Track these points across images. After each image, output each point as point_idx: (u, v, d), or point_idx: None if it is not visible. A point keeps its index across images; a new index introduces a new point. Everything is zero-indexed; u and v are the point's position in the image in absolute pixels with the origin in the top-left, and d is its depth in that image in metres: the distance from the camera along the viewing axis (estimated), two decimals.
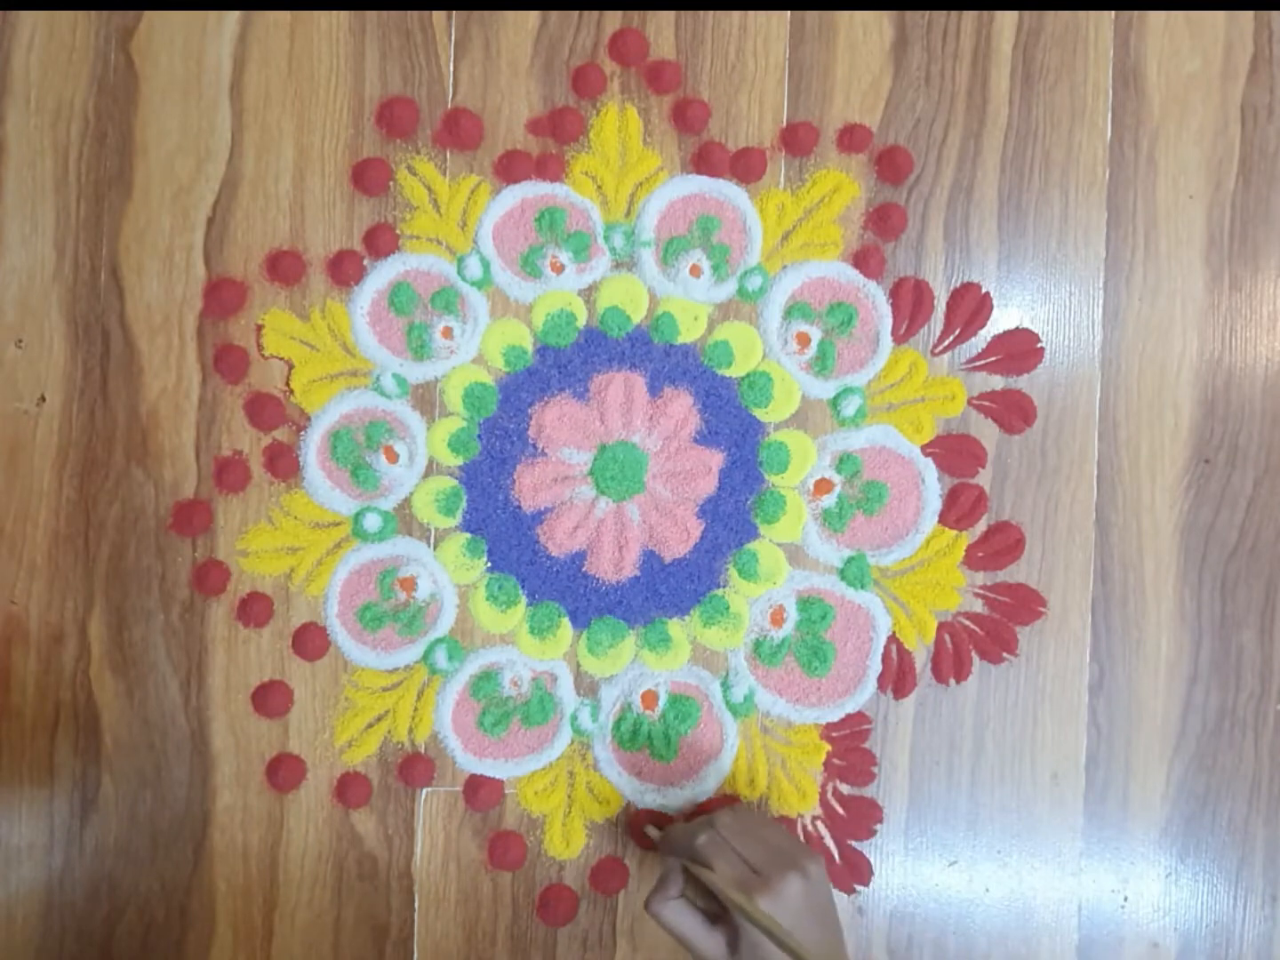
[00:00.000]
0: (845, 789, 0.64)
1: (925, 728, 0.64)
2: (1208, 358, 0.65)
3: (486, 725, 0.62)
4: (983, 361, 0.65)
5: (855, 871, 0.63)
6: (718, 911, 0.53)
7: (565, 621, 0.63)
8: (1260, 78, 0.65)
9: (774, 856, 0.52)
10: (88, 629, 0.62)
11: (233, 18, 0.62)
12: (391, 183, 0.63)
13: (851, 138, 0.64)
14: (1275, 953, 0.65)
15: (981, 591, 0.65)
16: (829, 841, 0.63)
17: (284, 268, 0.62)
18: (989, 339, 0.65)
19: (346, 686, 0.62)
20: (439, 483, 0.63)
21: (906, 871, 0.64)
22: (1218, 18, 0.65)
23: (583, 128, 0.63)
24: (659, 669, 0.63)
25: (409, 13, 0.63)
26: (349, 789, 0.62)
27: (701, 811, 0.63)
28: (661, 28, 0.64)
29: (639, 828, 0.62)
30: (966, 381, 0.65)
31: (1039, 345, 0.65)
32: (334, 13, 0.62)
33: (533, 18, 0.63)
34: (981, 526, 0.64)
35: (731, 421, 0.64)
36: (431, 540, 0.63)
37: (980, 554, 0.64)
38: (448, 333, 0.63)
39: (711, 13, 0.64)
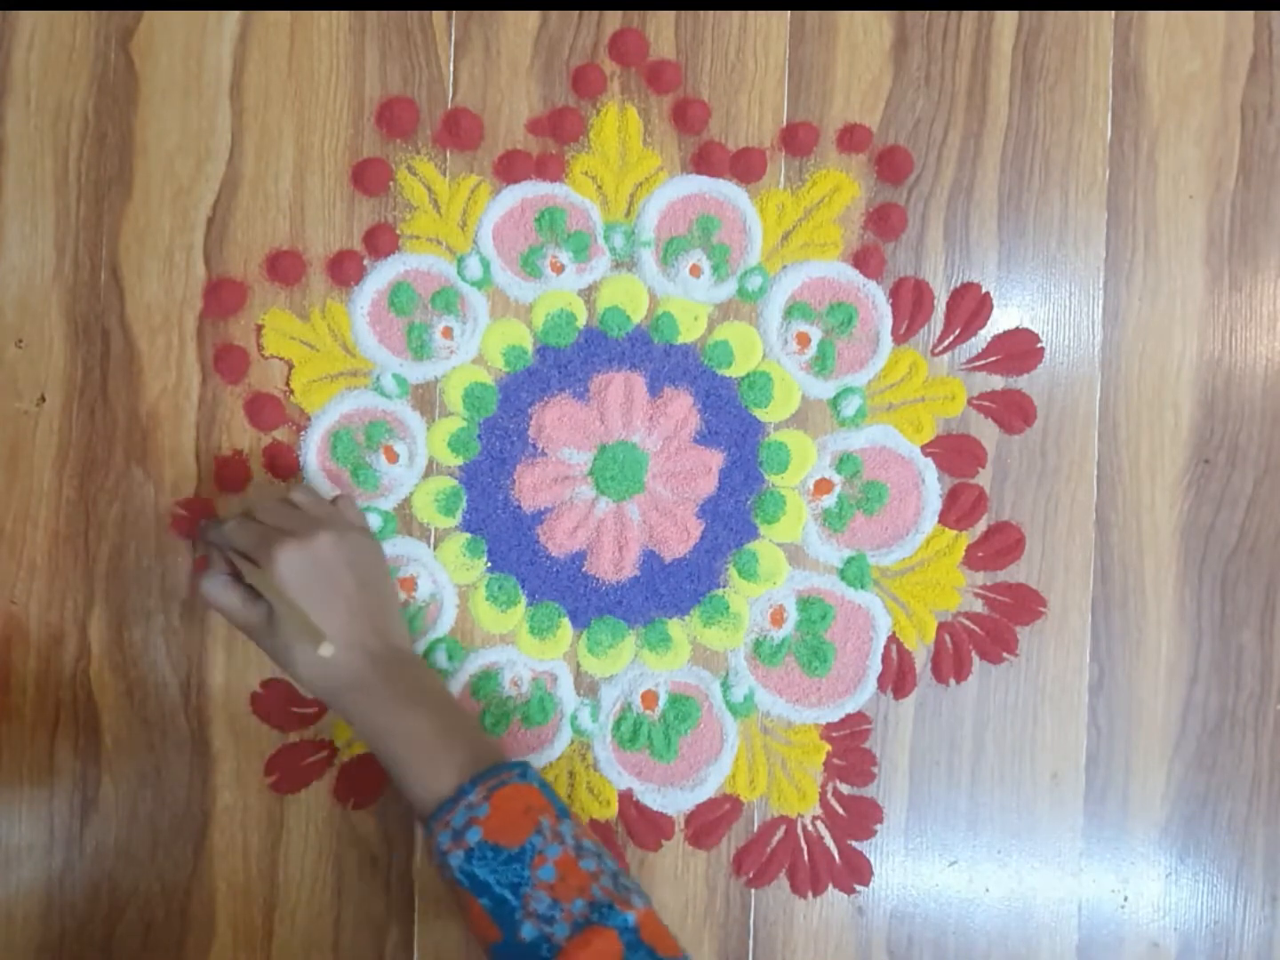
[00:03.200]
0: (845, 789, 0.64)
1: (925, 728, 0.64)
2: (1208, 358, 0.65)
3: (487, 725, 0.62)
4: (983, 361, 0.65)
5: (855, 871, 0.63)
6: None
7: (565, 621, 0.63)
8: (1260, 78, 0.65)
9: (294, 525, 0.53)
10: (88, 629, 0.62)
11: (233, 18, 0.62)
12: (391, 183, 0.63)
13: (851, 138, 0.64)
14: (1275, 953, 0.65)
15: (981, 591, 0.65)
16: (829, 841, 0.63)
17: (284, 268, 0.62)
18: (989, 339, 0.65)
19: None
20: (439, 483, 0.63)
21: (906, 871, 0.64)
22: (1218, 18, 0.65)
23: (583, 128, 0.63)
24: (659, 669, 0.63)
25: (409, 13, 0.63)
26: (349, 789, 0.62)
27: (698, 814, 0.63)
28: (661, 28, 0.64)
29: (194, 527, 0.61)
30: (966, 381, 0.65)
31: (1039, 345, 0.65)
32: (334, 13, 0.62)
33: (533, 18, 0.63)
34: (981, 526, 0.64)
35: (731, 421, 0.64)
36: (431, 540, 0.63)
37: (980, 554, 0.64)
38: (448, 333, 0.63)
39: (711, 13, 0.64)
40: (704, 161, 0.64)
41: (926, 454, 0.64)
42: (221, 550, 0.55)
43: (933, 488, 0.64)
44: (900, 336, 0.64)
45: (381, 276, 0.62)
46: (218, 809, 0.62)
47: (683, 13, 0.63)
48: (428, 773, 0.51)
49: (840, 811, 0.64)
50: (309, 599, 0.52)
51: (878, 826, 0.64)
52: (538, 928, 0.46)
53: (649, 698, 0.63)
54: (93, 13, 0.61)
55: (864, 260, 0.64)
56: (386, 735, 0.52)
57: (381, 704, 0.52)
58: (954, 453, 0.64)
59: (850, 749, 0.64)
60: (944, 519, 0.64)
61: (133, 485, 0.62)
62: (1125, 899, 0.65)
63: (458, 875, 0.48)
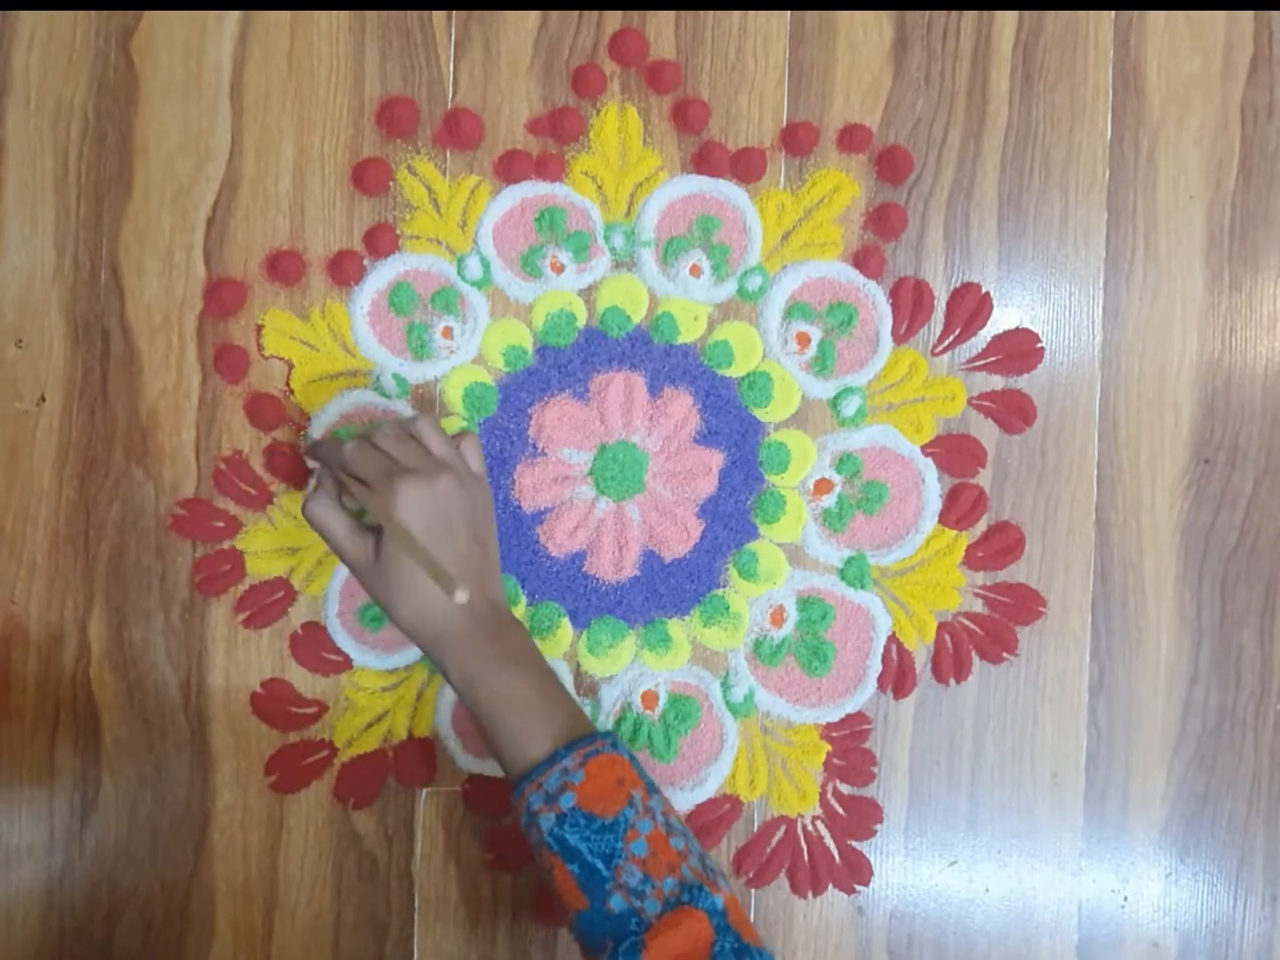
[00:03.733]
0: (845, 789, 0.64)
1: (925, 728, 0.64)
2: (1208, 358, 0.65)
3: None
4: (983, 361, 0.65)
5: (855, 871, 0.63)
6: (371, 522, 0.52)
7: (565, 621, 0.63)
8: (1260, 78, 0.65)
9: (418, 462, 0.52)
10: (88, 629, 0.62)
11: (233, 18, 0.62)
12: (391, 183, 0.63)
13: (851, 138, 0.64)
14: (1275, 953, 0.65)
15: (981, 591, 0.65)
16: (829, 841, 0.63)
17: (284, 268, 0.62)
18: (989, 339, 0.65)
19: (346, 686, 0.62)
20: None
21: (906, 871, 0.64)
22: (1218, 18, 0.65)
23: (583, 128, 0.63)
24: (659, 669, 0.63)
25: (409, 13, 0.63)
26: (349, 789, 0.62)
27: (698, 814, 0.63)
28: (661, 28, 0.64)
29: (296, 445, 0.60)
30: (966, 381, 0.65)
31: (1039, 345, 0.65)
32: (334, 13, 0.62)
33: (533, 18, 0.63)
34: (981, 526, 0.64)
35: (731, 421, 0.64)
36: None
37: (980, 554, 0.64)
38: (448, 333, 0.63)
39: (711, 13, 0.64)
40: (704, 161, 0.64)
41: (926, 454, 0.64)
42: (333, 472, 0.53)
43: (933, 488, 0.64)
44: (900, 336, 0.64)
45: (381, 276, 0.62)
46: (218, 809, 0.62)
47: (683, 13, 0.63)
48: (523, 734, 0.50)
49: (840, 811, 0.64)
50: (428, 544, 0.50)
51: (878, 826, 0.64)
52: (628, 901, 0.46)
53: (649, 698, 0.63)
54: (93, 13, 0.61)
55: (864, 260, 0.64)
56: (484, 691, 0.51)
57: (481, 660, 0.52)
58: (954, 453, 0.64)
59: (850, 749, 0.64)
60: (944, 519, 0.64)
61: (133, 485, 0.62)
62: (1125, 899, 0.65)
63: (547, 839, 0.48)
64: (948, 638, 0.64)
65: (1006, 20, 0.65)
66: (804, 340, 0.64)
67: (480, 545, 0.54)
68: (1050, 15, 0.65)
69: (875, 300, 0.64)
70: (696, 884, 0.47)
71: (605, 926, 0.47)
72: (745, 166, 0.63)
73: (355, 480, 0.52)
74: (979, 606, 0.65)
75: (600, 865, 0.47)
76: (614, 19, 0.63)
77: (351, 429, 0.61)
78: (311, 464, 0.60)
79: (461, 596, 0.47)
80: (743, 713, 0.63)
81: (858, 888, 0.63)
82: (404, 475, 0.50)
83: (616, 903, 0.47)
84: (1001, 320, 0.65)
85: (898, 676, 0.64)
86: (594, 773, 0.49)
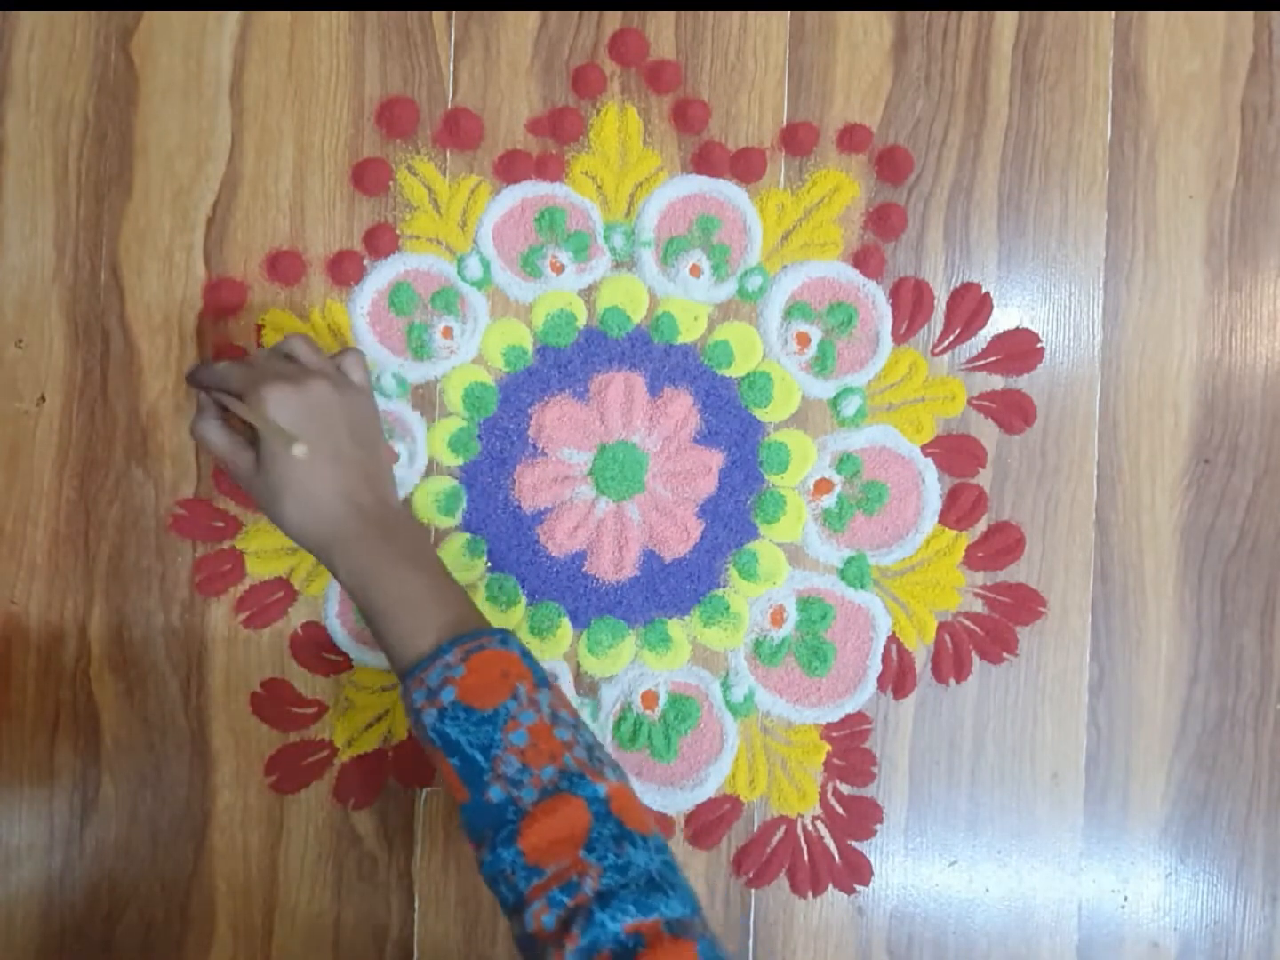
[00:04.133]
0: (845, 789, 0.64)
1: (925, 728, 0.64)
2: (1208, 358, 0.65)
3: None
4: (983, 361, 0.65)
5: (855, 871, 0.63)
6: (252, 438, 0.53)
7: (565, 621, 0.63)
8: (1260, 78, 0.65)
9: (287, 371, 0.53)
10: (88, 629, 0.62)
11: (233, 18, 0.62)
12: (391, 183, 0.63)
13: (851, 138, 0.64)
14: (1275, 953, 0.65)
15: (981, 591, 0.65)
16: (829, 841, 0.63)
17: (284, 268, 0.62)
18: (989, 339, 0.65)
19: (346, 686, 0.62)
20: (439, 483, 0.63)
21: (906, 871, 0.64)
22: (1218, 18, 0.65)
23: (583, 128, 0.63)
24: (659, 669, 0.63)
25: (409, 13, 0.63)
26: (349, 789, 0.62)
27: (698, 814, 0.63)
28: (661, 28, 0.64)
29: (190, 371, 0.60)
30: (966, 381, 0.65)
31: (1039, 345, 0.65)
32: (334, 13, 0.62)
33: (533, 18, 0.63)
34: (981, 526, 0.64)
35: (731, 421, 0.64)
36: (431, 540, 0.63)
37: (980, 554, 0.64)
38: (448, 333, 0.63)
39: (711, 13, 0.64)
40: (704, 161, 0.64)
41: (926, 454, 0.64)
42: (211, 393, 0.54)
43: (933, 488, 0.64)
44: (900, 336, 0.64)
45: (381, 276, 0.62)
46: (218, 809, 0.62)
47: (683, 13, 0.63)
48: (410, 629, 0.51)
49: (840, 811, 0.64)
50: (295, 435, 0.51)
51: (878, 826, 0.64)
52: (505, 790, 0.46)
53: (649, 698, 0.63)
54: (93, 13, 0.61)
55: (864, 260, 0.64)
56: (373, 588, 0.51)
57: (370, 557, 0.52)
58: (954, 453, 0.64)
59: (850, 749, 0.64)
60: (944, 519, 0.64)
61: (133, 485, 0.62)
62: (1125, 899, 0.65)
63: (430, 734, 0.48)
64: (948, 638, 0.64)
65: (1006, 20, 0.65)
66: (804, 340, 0.64)
67: (365, 449, 0.55)
68: (1050, 15, 0.65)
69: (875, 300, 0.64)
70: (578, 772, 0.46)
71: (485, 817, 0.46)
72: (745, 166, 0.63)
73: (228, 396, 0.53)
74: (979, 606, 0.65)
75: (479, 756, 0.47)
76: (614, 19, 0.63)
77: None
78: (195, 390, 0.59)
79: (299, 450, 0.48)
80: (743, 713, 0.63)
81: (858, 888, 0.63)
82: (273, 378, 0.52)
83: (495, 793, 0.46)
84: (1001, 320, 0.65)
85: (898, 676, 0.64)
86: (476, 666, 0.48)
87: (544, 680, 0.50)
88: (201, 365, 0.56)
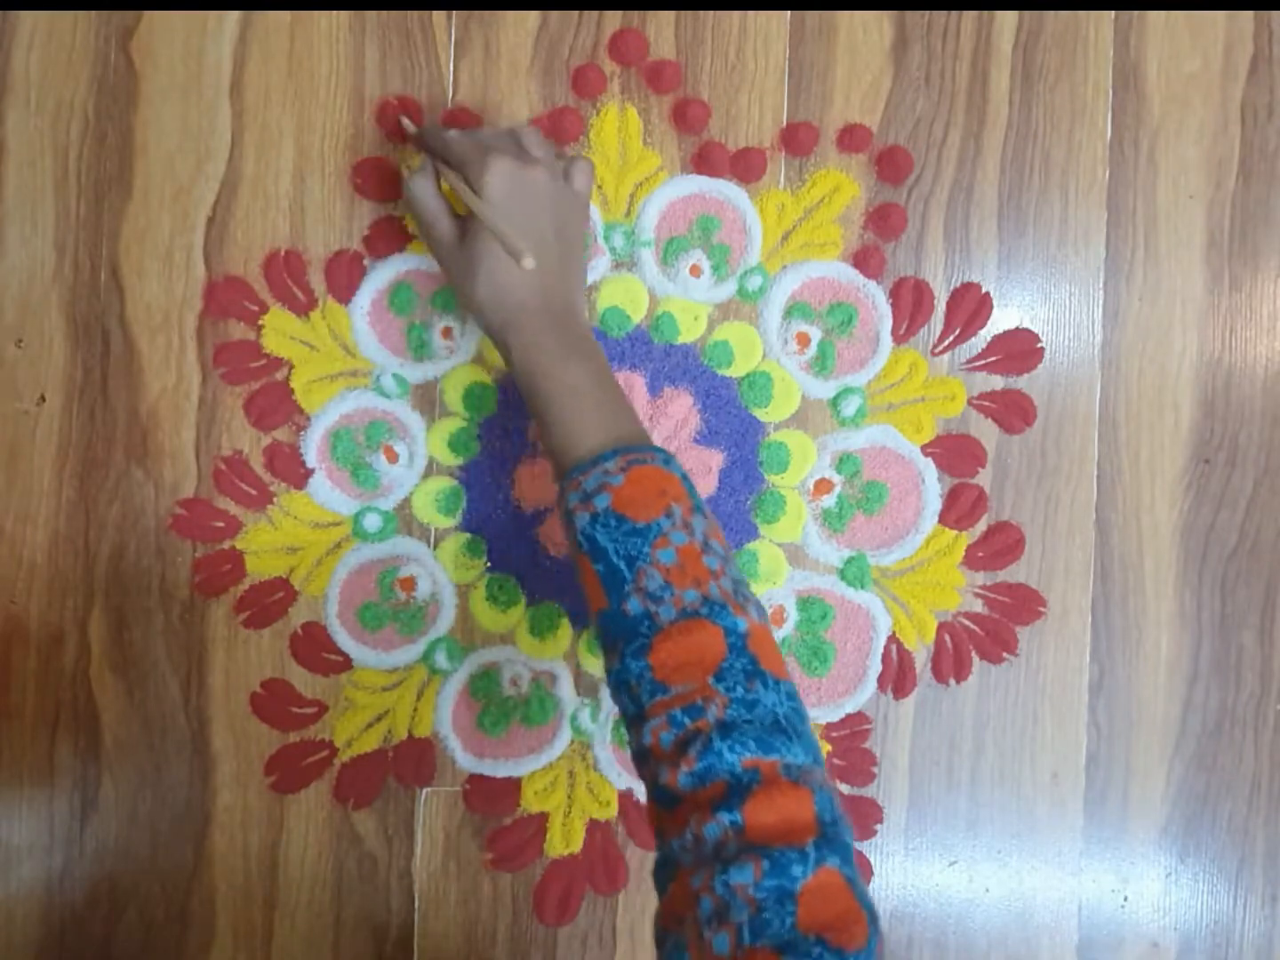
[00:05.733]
0: (845, 789, 0.64)
1: (925, 728, 0.64)
2: (1208, 358, 0.65)
3: (486, 725, 0.62)
4: (983, 361, 0.65)
5: None
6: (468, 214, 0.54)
7: (565, 621, 0.63)
8: (1260, 78, 0.65)
9: (514, 151, 0.53)
10: (88, 629, 0.62)
11: (233, 18, 0.62)
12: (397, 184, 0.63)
13: (851, 138, 0.64)
14: (1275, 953, 0.65)
15: (981, 591, 0.65)
16: None
17: (284, 268, 0.62)
18: (989, 339, 0.65)
19: (346, 686, 0.62)
20: (439, 483, 0.63)
21: (906, 871, 0.64)
22: (1218, 18, 0.65)
23: (583, 128, 0.63)
24: None
25: (409, 13, 0.63)
26: (349, 789, 0.62)
27: None
28: (661, 28, 0.64)
29: (397, 121, 0.61)
30: (966, 381, 0.65)
31: (1039, 345, 0.65)
32: (334, 13, 0.62)
33: (533, 18, 0.63)
34: (981, 526, 0.65)
35: (731, 421, 0.64)
36: (431, 540, 0.63)
37: (980, 554, 0.64)
38: (448, 333, 0.63)
39: (711, 13, 0.64)
40: (704, 161, 0.63)
41: (926, 454, 0.64)
42: (433, 155, 0.55)
43: (933, 488, 0.64)
44: (900, 336, 0.64)
45: (381, 276, 0.62)
46: (218, 809, 0.62)
47: (683, 13, 0.63)
48: (575, 429, 0.50)
49: None
50: (508, 220, 0.51)
51: (878, 826, 0.64)
52: (644, 604, 0.45)
53: None
54: (93, 13, 0.61)
55: (864, 260, 0.64)
56: (545, 379, 0.51)
57: (548, 347, 0.52)
58: (954, 453, 0.64)
59: (850, 749, 0.64)
60: (944, 519, 0.64)
61: (133, 485, 0.62)
62: (1125, 899, 0.65)
63: (579, 537, 0.47)
64: (948, 638, 0.64)
65: (1006, 20, 0.65)
66: (804, 340, 0.64)
67: (564, 244, 0.54)
68: (1050, 15, 0.65)
69: (875, 300, 0.64)
70: (720, 601, 0.45)
71: (620, 627, 0.46)
72: (745, 166, 0.63)
73: (448, 165, 0.54)
74: (979, 606, 0.65)
75: (623, 566, 0.46)
76: (614, 19, 0.63)
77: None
78: (416, 149, 0.60)
79: (529, 263, 0.48)
80: None
81: None
82: (499, 152, 0.52)
83: (633, 604, 0.45)
84: (1001, 320, 0.65)
85: (898, 676, 0.64)
86: (635, 479, 0.47)
87: (701, 508, 0.49)
88: (431, 127, 0.57)
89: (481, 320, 0.54)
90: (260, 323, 0.62)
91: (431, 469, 0.63)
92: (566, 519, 0.48)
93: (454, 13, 0.63)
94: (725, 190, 0.64)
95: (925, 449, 0.64)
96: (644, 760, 0.44)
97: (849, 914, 0.37)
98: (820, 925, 0.36)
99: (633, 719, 0.45)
